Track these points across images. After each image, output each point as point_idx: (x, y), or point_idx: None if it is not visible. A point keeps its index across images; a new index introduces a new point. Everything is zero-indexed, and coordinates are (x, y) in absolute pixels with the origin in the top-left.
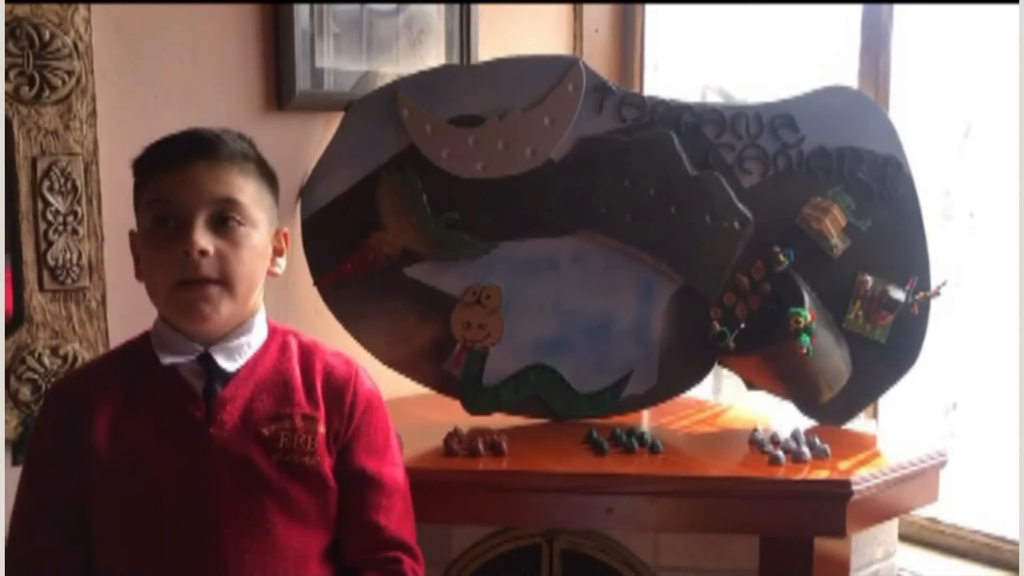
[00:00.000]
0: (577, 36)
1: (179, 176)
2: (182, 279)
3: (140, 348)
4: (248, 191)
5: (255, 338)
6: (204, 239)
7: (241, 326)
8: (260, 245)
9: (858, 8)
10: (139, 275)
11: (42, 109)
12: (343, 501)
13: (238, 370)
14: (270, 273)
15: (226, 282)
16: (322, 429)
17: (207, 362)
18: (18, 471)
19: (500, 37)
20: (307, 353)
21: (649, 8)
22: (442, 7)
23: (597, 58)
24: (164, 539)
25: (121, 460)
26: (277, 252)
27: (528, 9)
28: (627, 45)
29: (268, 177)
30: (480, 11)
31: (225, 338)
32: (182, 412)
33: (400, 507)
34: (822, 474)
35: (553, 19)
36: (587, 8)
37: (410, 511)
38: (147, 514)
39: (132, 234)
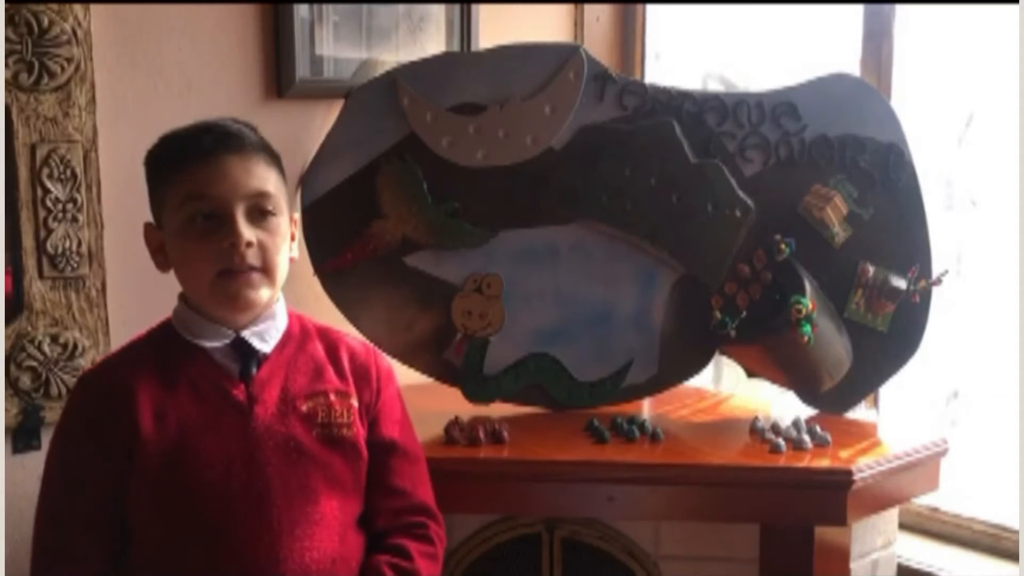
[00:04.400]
0: (578, 24)
1: (212, 171)
2: (226, 269)
3: (165, 335)
4: (273, 180)
5: (280, 322)
6: (248, 231)
7: (268, 311)
8: (286, 231)
9: None
10: (161, 267)
11: (41, 96)
12: (371, 469)
13: (270, 352)
14: (289, 259)
15: (266, 269)
16: (355, 402)
17: (241, 345)
18: (17, 459)
19: (501, 25)
20: (326, 334)
21: None
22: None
23: (598, 46)
24: (216, 517)
25: (169, 442)
26: (291, 237)
27: None
28: (628, 33)
29: (279, 163)
30: None
31: (255, 322)
32: (224, 394)
33: (423, 474)
34: (823, 463)
35: (554, 7)
36: None
37: (429, 478)
38: (199, 494)
39: (148, 227)
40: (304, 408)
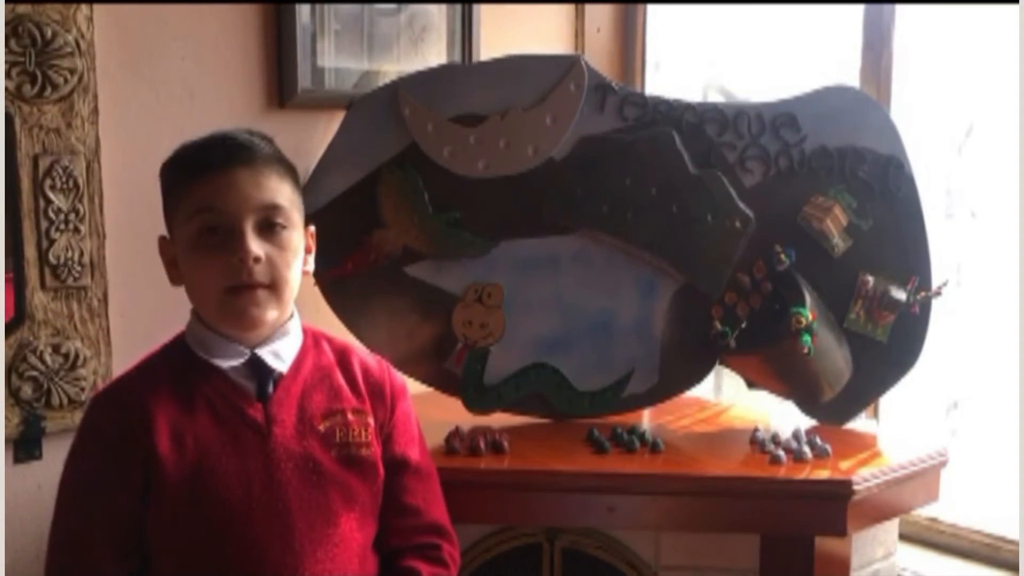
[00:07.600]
0: (579, 35)
1: (222, 184)
2: (234, 285)
3: (179, 352)
4: (285, 193)
5: (295, 338)
6: (256, 246)
7: (282, 328)
8: (299, 246)
9: (860, 7)
10: (174, 280)
11: (44, 107)
12: (384, 487)
13: (286, 370)
14: (303, 273)
15: (274, 286)
16: (371, 421)
17: (256, 364)
18: (19, 469)
19: (502, 35)
20: (340, 351)
21: (651, 7)
22: (444, 5)
23: (599, 57)
24: (237, 539)
25: (188, 464)
26: (306, 250)
27: (530, 7)
28: (629, 44)
29: (294, 175)
30: (482, 9)
31: (269, 340)
32: (241, 414)
33: (436, 492)
34: (823, 473)
35: (555, 18)
36: (589, 7)
37: (442, 496)
38: (219, 516)
39: (163, 240)
40: (322, 428)
